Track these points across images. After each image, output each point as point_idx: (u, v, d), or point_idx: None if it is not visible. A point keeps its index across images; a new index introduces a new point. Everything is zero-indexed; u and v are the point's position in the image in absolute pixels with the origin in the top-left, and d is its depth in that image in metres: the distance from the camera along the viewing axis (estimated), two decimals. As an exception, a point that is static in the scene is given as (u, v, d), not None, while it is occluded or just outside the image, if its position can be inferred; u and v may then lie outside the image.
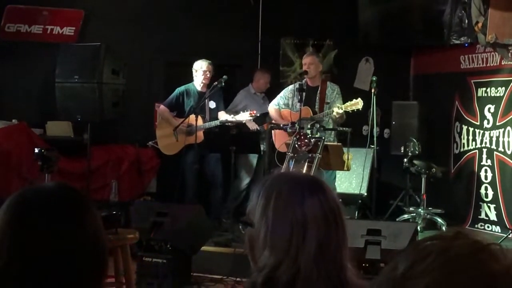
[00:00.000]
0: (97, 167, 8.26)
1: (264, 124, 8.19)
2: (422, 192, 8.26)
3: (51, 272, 1.43)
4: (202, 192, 8.07)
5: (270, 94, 8.10)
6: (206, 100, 7.91)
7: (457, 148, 8.73)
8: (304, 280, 1.68)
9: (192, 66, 8.07)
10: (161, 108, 8.13)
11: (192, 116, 7.57)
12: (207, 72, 7.94)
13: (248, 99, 8.57)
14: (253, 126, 8.06)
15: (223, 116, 7.97)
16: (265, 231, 1.74)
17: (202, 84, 7.98)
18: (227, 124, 7.87)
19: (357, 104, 7.09)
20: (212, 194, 8.18)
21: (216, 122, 7.86)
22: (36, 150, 5.93)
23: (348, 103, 7.16)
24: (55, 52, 8.02)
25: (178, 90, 8.06)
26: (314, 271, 1.68)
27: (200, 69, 7.95)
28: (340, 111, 7.11)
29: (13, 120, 8.37)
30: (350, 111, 7.16)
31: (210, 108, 8.01)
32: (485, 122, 8.21)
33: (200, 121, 7.69)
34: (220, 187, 8.14)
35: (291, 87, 7.73)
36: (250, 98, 8.62)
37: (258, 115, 7.95)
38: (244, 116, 7.74)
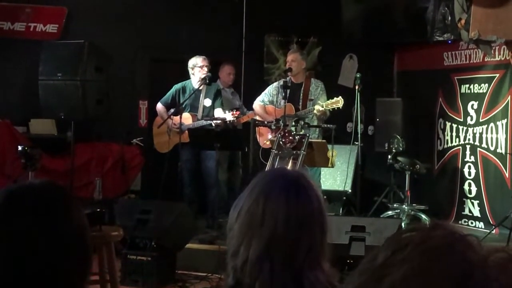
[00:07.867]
0: (81, 165, 8.23)
1: (238, 119, 8.01)
2: (406, 189, 8.29)
3: (36, 268, 1.44)
4: (199, 191, 8.03)
5: (254, 92, 8.08)
6: (201, 98, 7.86)
7: (440, 145, 8.77)
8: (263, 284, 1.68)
9: (176, 63, 8.02)
10: (158, 106, 8.05)
11: (186, 114, 7.57)
12: (204, 67, 7.84)
13: None
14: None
15: (215, 113, 7.87)
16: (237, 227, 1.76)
17: (200, 81, 7.88)
18: (211, 123, 7.82)
19: (338, 102, 7.08)
20: (207, 193, 8.07)
21: (200, 122, 7.77)
22: (20, 148, 5.90)
23: (329, 101, 7.16)
24: (38, 50, 7.97)
25: (175, 87, 7.94)
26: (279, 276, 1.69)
27: (196, 66, 7.85)
28: (321, 108, 7.12)
29: (-4, 118, 8.32)
30: (330, 109, 7.17)
31: (204, 106, 7.93)
32: (469, 118, 8.26)
33: (190, 119, 7.66)
34: (215, 185, 8.00)
35: (275, 84, 7.75)
36: None
37: (242, 115, 7.91)
38: (227, 116, 7.68)
